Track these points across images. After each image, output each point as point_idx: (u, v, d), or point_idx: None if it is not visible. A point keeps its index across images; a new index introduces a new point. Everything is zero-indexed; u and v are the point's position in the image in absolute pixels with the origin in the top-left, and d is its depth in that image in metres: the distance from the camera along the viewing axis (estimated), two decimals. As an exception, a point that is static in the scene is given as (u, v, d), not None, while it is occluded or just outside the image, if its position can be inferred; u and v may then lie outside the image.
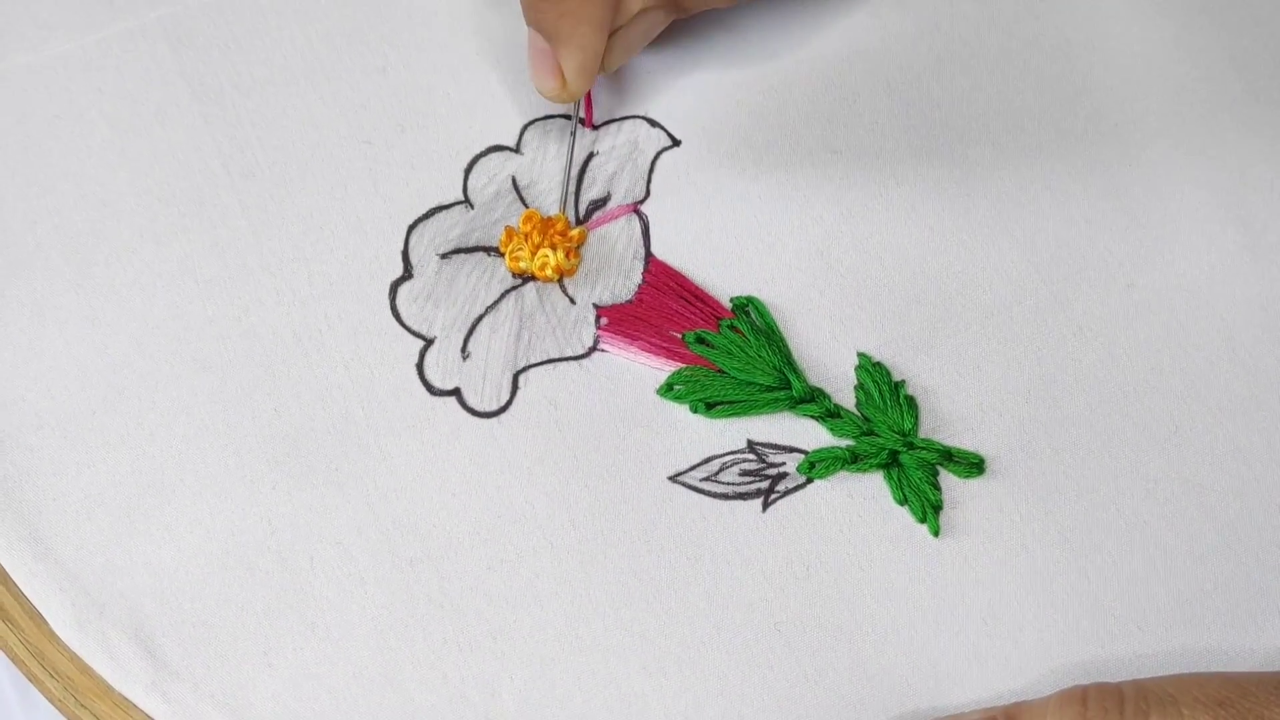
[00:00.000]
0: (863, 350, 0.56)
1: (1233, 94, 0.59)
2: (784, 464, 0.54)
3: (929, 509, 0.53)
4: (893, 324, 0.56)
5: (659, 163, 0.58)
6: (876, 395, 0.55)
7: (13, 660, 0.53)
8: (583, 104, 0.58)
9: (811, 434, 0.55)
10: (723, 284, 0.57)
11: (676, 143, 0.59)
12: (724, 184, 0.58)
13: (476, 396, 0.55)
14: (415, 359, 0.55)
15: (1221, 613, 0.53)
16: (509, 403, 0.55)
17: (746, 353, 0.55)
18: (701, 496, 0.54)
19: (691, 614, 0.52)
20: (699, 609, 0.52)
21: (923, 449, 0.54)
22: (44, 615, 0.53)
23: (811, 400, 0.55)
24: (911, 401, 0.55)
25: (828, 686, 0.52)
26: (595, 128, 0.59)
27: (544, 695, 0.52)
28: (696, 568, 0.53)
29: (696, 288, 0.57)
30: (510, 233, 0.57)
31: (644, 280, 0.57)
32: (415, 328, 0.56)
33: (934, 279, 0.57)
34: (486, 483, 0.54)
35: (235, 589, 0.52)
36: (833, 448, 0.54)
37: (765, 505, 0.54)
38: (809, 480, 0.54)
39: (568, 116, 0.58)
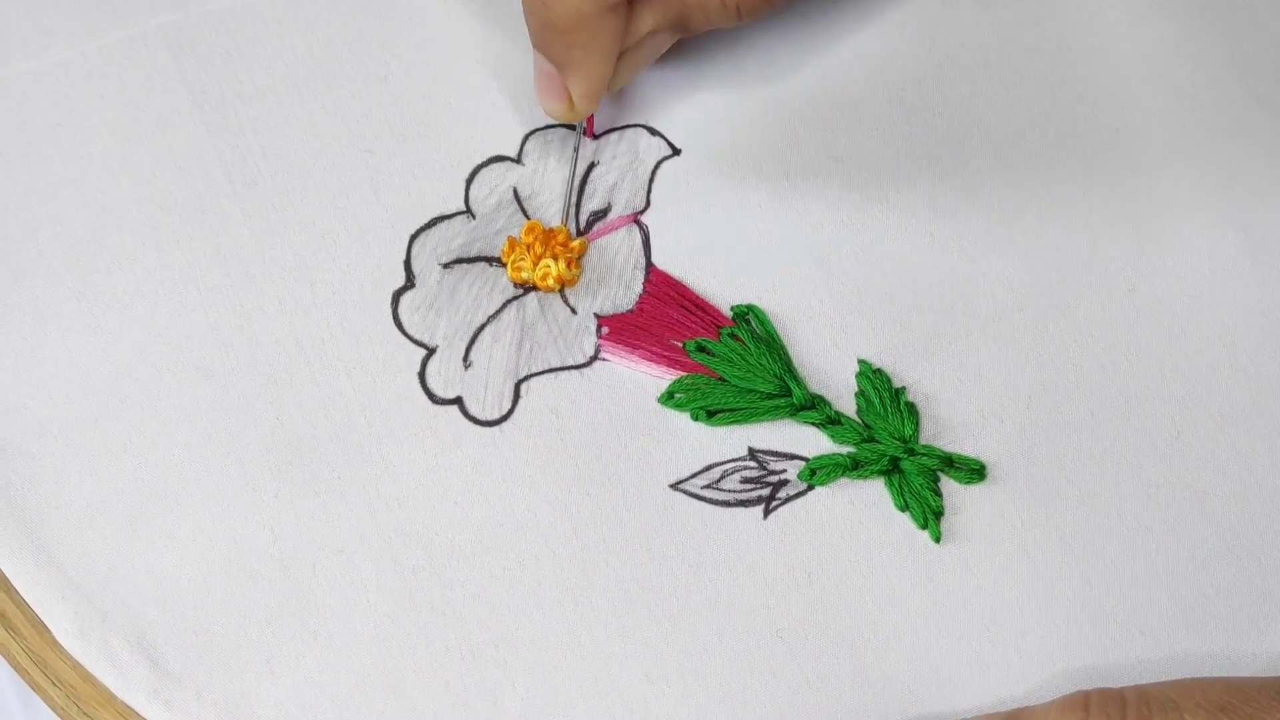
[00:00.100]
0: (863, 357, 0.56)
1: (1233, 98, 0.59)
2: (785, 471, 0.54)
3: (930, 515, 0.53)
4: (893, 331, 0.56)
5: (659, 172, 0.58)
6: (877, 402, 0.55)
7: (15, 668, 0.53)
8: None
9: (812, 441, 0.55)
10: (723, 292, 0.57)
11: (676, 151, 0.59)
12: (724, 192, 0.58)
13: (478, 405, 0.55)
14: (417, 368, 0.55)
15: (1223, 618, 0.53)
16: (511, 411, 0.55)
17: (747, 361, 0.55)
18: (703, 504, 0.54)
19: (693, 621, 0.52)
20: (701, 616, 0.53)
21: (924, 455, 0.54)
22: (46, 623, 0.53)
23: (812, 407, 0.55)
24: (912, 408, 0.55)
25: (830, 693, 0.52)
26: (595, 137, 0.59)
27: (546, 703, 0.52)
28: (698, 575, 0.53)
29: (697, 297, 0.57)
30: (512, 243, 0.57)
31: (645, 290, 0.57)
32: (417, 337, 0.56)
33: (934, 285, 0.57)
34: (488, 491, 0.54)
35: (238, 597, 0.52)
36: (834, 454, 0.54)
37: (766, 512, 0.54)
38: (810, 487, 0.54)
39: (570, 126, 0.59)
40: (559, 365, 0.56)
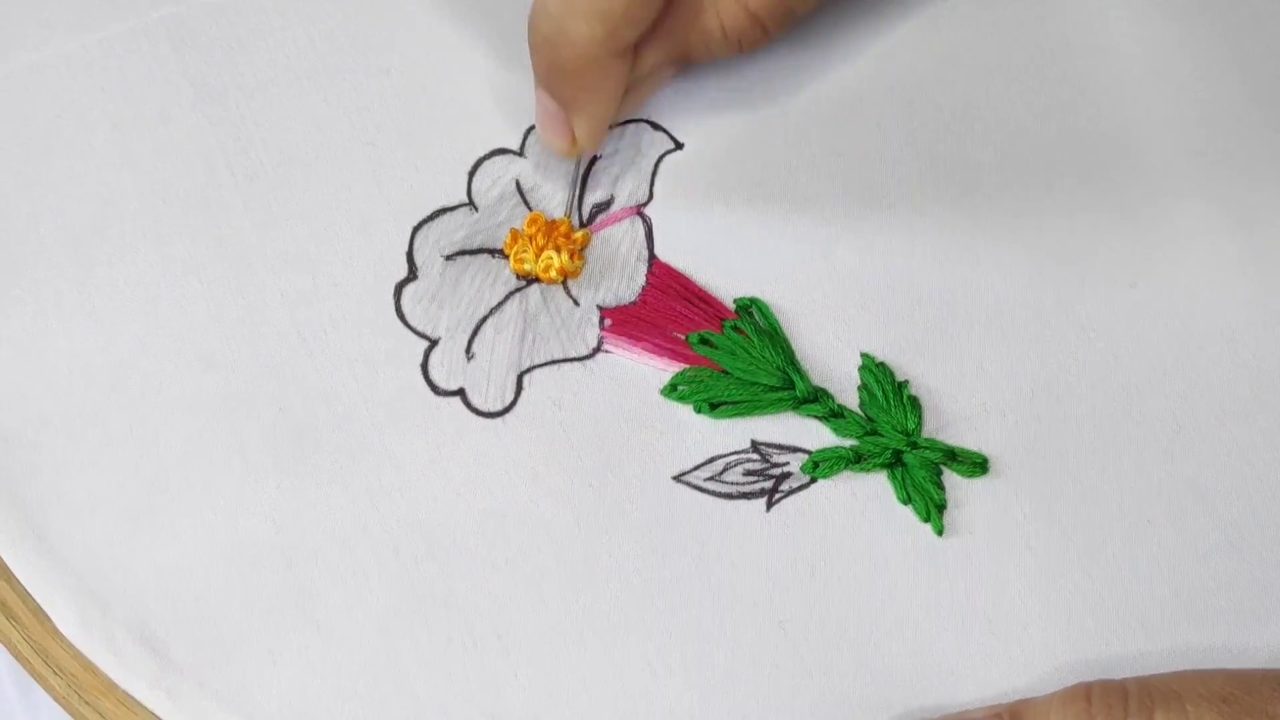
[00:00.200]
0: (866, 350, 0.56)
1: (1234, 94, 0.60)
2: (788, 464, 0.54)
3: (933, 508, 0.53)
4: (896, 324, 0.56)
5: (662, 165, 0.59)
6: (880, 395, 0.55)
7: (16, 658, 0.52)
8: None
9: (815, 434, 0.55)
10: (726, 285, 0.57)
11: (679, 145, 0.59)
12: (727, 186, 0.58)
13: (481, 397, 0.55)
14: (420, 359, 0.55)
15: (1225, 611, 0.53)
16: (513, 403, 0.55)
17: (750, 353, 0.55)
18: (705, 496, 0.54)
19: (696, 613, 0.52)
20: (703, 608, 0.53)
21: (926, 449, 0.54)
22: (48, 613, 0.53)
23: (815, 400, 0.55)
24: (915, 401, 0.55)
25: (832, 685, 0.52)
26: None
27: (548, 693, 0.52)
28: (701, 567, 0.53)
29: (700, 289, 0.57)
30: (515, 235, 0.57)
31: (648, 282, 0.57)
32: (420, 328, 0.56)
33: (937, 280, 0.57)
34: (491, 482, 0.54)
35: (240, 587, 0.52)
36: (836, 447, 0.54)
37: (769, 505, 0.54)
38: (813, 480, 0.54)
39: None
40: (561, 357, 0.56)
